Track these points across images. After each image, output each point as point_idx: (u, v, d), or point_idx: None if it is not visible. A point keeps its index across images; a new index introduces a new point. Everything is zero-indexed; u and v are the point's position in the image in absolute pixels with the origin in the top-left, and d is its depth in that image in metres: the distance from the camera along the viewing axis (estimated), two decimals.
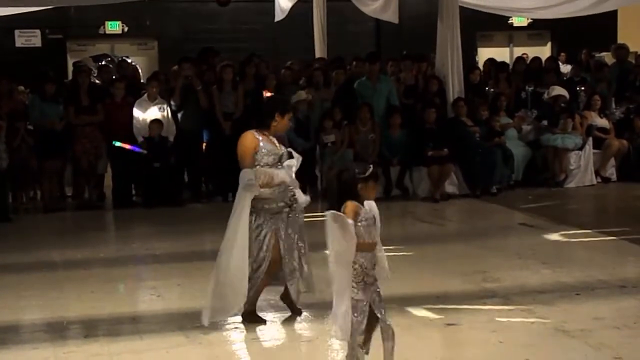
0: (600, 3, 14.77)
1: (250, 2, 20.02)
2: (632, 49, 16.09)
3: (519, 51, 21.09)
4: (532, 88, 13.65)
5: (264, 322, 6.31)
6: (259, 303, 6.39)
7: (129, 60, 17.60)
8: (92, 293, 7.35)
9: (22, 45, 19.57)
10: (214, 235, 9.24)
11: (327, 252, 4.67)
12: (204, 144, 12.55)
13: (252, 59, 13.38)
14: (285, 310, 6.45)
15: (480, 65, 15.58)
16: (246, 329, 6.20)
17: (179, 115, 12.33)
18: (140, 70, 17.27)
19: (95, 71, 15.21)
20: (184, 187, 12.54)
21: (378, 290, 4.75)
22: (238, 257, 6.08)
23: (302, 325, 6.31)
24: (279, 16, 16.49)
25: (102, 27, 20.18)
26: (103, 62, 17.57)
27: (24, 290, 7.50)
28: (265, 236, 6.19)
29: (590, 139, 13.08)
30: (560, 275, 7.54)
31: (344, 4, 16.75)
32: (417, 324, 6.09)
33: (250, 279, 6.15)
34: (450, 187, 12.20)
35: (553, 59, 15.93)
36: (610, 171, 13.25)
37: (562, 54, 19.39)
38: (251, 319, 6.28)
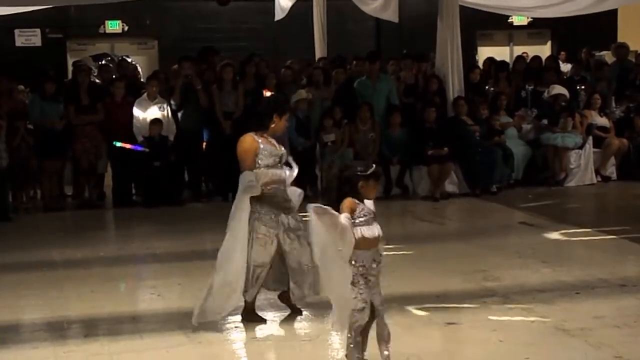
0: (600, 2, 14.77)
1: (250, 2, 20.03)
2: (632, 48, 16.10)
3: (519, 50, 21.10)
4: (532, 87, 13.65)
5: (263, 321, 6.32)
6: (258, 302, 6.39)
7: (129, 60, 17.58)
8: (92, 292, 7.35)
9: (22, 45, 19.56)
10: (214, 234, 9.24)
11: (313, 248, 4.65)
12: (204, 144, 12.55)
13: (252, 58, 13.39)
14: (285, 309, 6.45)
15: (481, 64, 15.58)
16: (246, 328, 6.20)
17: (179, 114, 12.34)
18: (140, 70, 17.29)
19: (96, 70, 15.22)
20: (184, 186, 12.53)
21: (379, 290, 4.74)
22: (237, 259, 6.08)
23: (302, 324, 6.31)
24: (279, 15, 16.50)
25: (102, 27, 20.18)
26: (103, 62, 17.57)
27: (24, 290, 7.50)
28: (265, 237, 6.19)
29: (591, 137, 13.08)
30: (560, 274, 7.54)
31: (344, 3, 16.75)
32: (417, 323, 6.09)
33: (248, 280, 6.16)
34: (450, 186, 12.20)
35: (553, 58, 15.93)
36: (611, 170, 13.25)
37: (562, 52, 19.38)
38: (251, 318, 6.29)
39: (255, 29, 19.75)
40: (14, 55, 18.87)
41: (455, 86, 12.71)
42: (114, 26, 20.25)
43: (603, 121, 13.41)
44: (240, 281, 6.13)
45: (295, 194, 6.32)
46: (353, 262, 4.66)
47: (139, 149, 11.65)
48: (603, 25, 19.66)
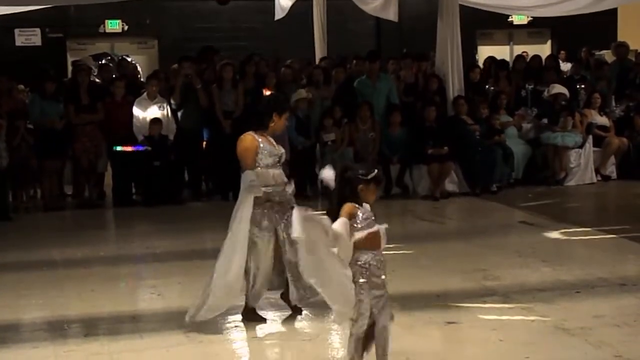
0: (600, 1, 14.77)
1: (250, 1, 20.04)
2: (632, 47, 16.10)
3: (519, 49, 21.12)
4: (532, 86, 13.64)
5: (264, 320, 6.32)
6: (258, 302, 6.39)
7: (129, 59, 17.58)
8: (92, 292, 7.35)
9: (22, 44, 19.57)
10: (214, 233, 9.26)
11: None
12: (204, 143, 12.55)
13: (252, 58, 13.38)
14: (286, 308, 6.45)
15: (481, 63, 15.58)
16: (246, 328, 6.20)
17: (179, 114, 12.34)
18: (140, 69, 17.29)
19: (95, 70, 15.22)
20: (184, 185, 12.54)
21: (384, 295, 4.71)
22: (237, 260, 6.08)
23: (303, 323, 6.31)
24: (278, 15, 16.49)
25: (102, 26, 20.20)
26: (103, 61, 17.57)
27: (24, 289, 7.50)
28: (265, 237, 6.20)
29: (590, 137, 13.08)
30: (560, 273, 7.54)
31: (344, 3, 16.74)
32: (417, 323, 6.08)
33: (248, 280, 6.16)
34: (450, 185, 12.20)
35: (553, 57, 15.92)
36: (610, 169, 13.25)
37: (562, 52, 19.38)
38: (251, 317, 6.29)
39: (255, 28, 19.76)
40: (14, 54, 18.88)
41: (455, 85, 12.71)
42: (114, 26, 20.26)
43: (603, 120, 13.40)
44: (239, 281, 6.14)
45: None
46: (355, 262, 4.63)
47: (141, 148, 11.64)
48: (603, 24, 19.65)
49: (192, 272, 7.83)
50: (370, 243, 4.66)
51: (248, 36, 19.58)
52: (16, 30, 19.39)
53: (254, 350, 5.90)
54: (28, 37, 19.57)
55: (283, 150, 6.36)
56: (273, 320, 6.36)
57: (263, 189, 6.11)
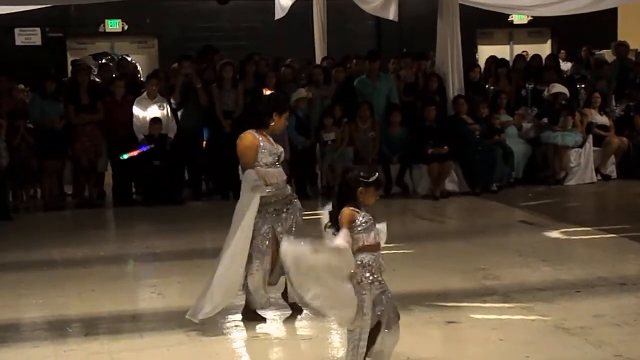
0: (600, 1, 14.77)
1: (250, 1, 20.04)
2: (632, 47, 16.10)
3: (519, 49, 21.12)
4: (532, 85, 13.64)
5: (264, 320, 6.32)
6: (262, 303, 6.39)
7: (129, 59, 17.58)
8: (92, 291, 7.35)
9: (22, 44, 19.57)
10: (214, 233, 9.27)
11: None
12: (204, 142, 12.55)
13: (252, 57, 13.38)
14: (286, 308, 6.45)
15: (482, 62, 15.57)
16: (246, 327, 6.20)
17: (179, 113, 12.33)
18: (140, 69, 17.30)
19: (95, 69, 15.22)
20: (184, 185, 12.53)
21: (386, 291, 4.71)
22: (238, 259, 6.08)
23: (303, 323, 6.31)
24: (278, 14, 16.49)
25: (102, 25, 20.19)
26: (103, 61, 17.58)
27: (24, 289, 7.50)
28: (264, 234, 6.20)
29: (591, 136, 13.08)
30: (560, 272, 7.54)
31: (344, 2, 16.74)
32: (417, 322, 6.09)
33: (247, 277, 6.18)
34: (450, 185, 12.20)
35: (553, 57, 15.92)
36: (611, 169, 13.25)
37: (562, 51, 19.39)
38: (251, 317, 6.30)
39: (255, 27, 19.76)
40: (14, 54, 18.89)
41: (455, 85, 12.70)
42: (114, 25, 20.25)
43: (603, 120, 13.40)
44: (238, 281, 6.14)
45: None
46: (357, 262, 4.63)
47: (145, 148, 11.62)
48: (603, 23, 19.66)
49: (192, 271, 7.84)
50: (371, 248, 4.69)
51: (248, 36, 19.58)
52: (16, 30, 19.40)
53: (254, 350, 5.91)
54: (28, 37, 19.58)
55: (282, 149, 6.37)
56: (273, 320, 6.36)
57: (267, 188, 6.12)
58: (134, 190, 12.36)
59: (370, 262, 4.65)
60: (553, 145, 12.82)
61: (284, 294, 6.46)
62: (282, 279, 6.35)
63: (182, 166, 12.42)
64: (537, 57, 14.97)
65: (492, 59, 14.55)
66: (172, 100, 12.26)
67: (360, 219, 4.64)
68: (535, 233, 9.43)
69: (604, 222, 9.84)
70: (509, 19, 21.88)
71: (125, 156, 11.51)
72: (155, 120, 11.79)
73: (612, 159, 13.24)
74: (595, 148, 13.09)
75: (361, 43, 18.58)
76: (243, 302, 6.33)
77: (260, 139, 6.21)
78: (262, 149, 6.17)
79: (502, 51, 20.52)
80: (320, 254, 4.48)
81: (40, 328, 6.37)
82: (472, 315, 6.36)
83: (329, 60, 14.92)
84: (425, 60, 14.03)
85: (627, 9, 20.06)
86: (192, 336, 5.99)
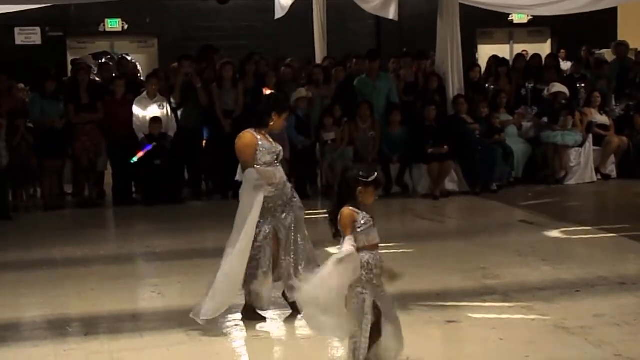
0: (600, 0, 14.76)
1: (250, 0, 20.02)
2: (632, 46, 16.10)
3: (519, 48, 21.12)
4: (532, 85, 13.64)
5: (264, 319, 6.32)
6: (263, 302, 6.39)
7: (129, 58, 17.57)
8: (92, 290, 7.35)
9: (22, 43, 19.57)
10: (214, 232, 9.29)
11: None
12: (204, 142, 12.55)
13: (252, 57, 13.38)
14: (286, 307, 6.45)
15: (482, 62, 15.56)
16: (246, 327, 6.20)
17: (179, 112, 12.33)
18: (140, 68, 17.29)
19: (95, 69, 15.22)
20: (184, 184, 12.53)
21: (384, 290, 4.72)
22: (241, 259, 6.08)
23: (303, 322, 6.27)
24: (278, 14, 16.49)
25: (102, 25, 20.19)
26: (103, 60, 17.57)
27: (24, 288, 7.50)
28: (265, 233, 6.21)
29: (590, 136, 13.08)
30: (560, 272, 7.54)
31: (344, 2, 16.75)
32: (417, 322, 6.08)
33: (247, 274, 6.18)
34: (450, 185, 12.20)
35: (553, 56, 15.92)
36: (610, 168, 13.25)
37: (562, 51, 19.39)
38: (251, 316, 6.30)
39: (255, 27, 19.76)
40: (13, 53, 18.89)
41: (455, 84, 12.70)
42: (113, 24, 20.25)
43: (603, 119, 13.40)
44: (240, 280, 6.14)
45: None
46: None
47: (149, 147, 11.62)
48: (603, 23, 19.66)
49: (192, 271, 7.84)
50: (370, 248, 4.70)
51: (248, 35, 19.58)
52: (16, 29, 19.40)
53: (254, 349, 5.91)
54: (28, 36, 19.58)
55: (281, 148, 6.38)
56: (273, 319, 6.36)
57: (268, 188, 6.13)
58: (133, 189, 12.36)
59: (370, 262, 4.65)
60: (553, 145, 12.82)
61: (284, 294, 6.46)
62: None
63: (182, 166, 12.42)
64: (537, 56, 14.97)
65: (494, 59, 14.54)
66: (172, 100, 12.26)
67: (360, 219, 4.64)
68: (535, 232, 9.43)
69: (604, 222, 9.84)
70: (509, 19, 21.88)
71: (135, 159, 11.52)
72: (155, 120, 11.80)
73: (612, 158, 13.25)
74: (595, 147, 13.10)
75: (361, 42, 18.58)
76: (243, 302, 6.33)
77: (259, 137, 6.22)
78: (261, 148, 6.18)
79: (502, 50, 20.49)
80: (335, 278, 4.50)
81: (40, 327, 6.37)
82: (472, 315, 6.36)
83: (330, 60, 14.93)
84: (425, 60, 14.03)
85: (627, 9, 20.06)
86: (192, 335, 5.99)
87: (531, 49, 19.45)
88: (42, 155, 11.66)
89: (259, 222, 6.16)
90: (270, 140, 6.31)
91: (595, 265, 7.72)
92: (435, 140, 11.99)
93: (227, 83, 12.26)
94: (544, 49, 20.97)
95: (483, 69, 14.16)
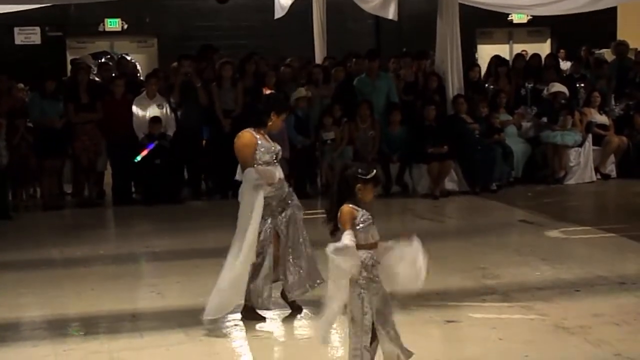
0: (597, 0, 14.75)
1: (249, 0, 20.02)
2: (631, 46, 16.09)
3: (518, 48, 21.11)
4: (531, 85, 13.64)
5: (263, 319, 6.32)
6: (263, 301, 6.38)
7: (129, 58, 17.56)
8: (91, 290, 7.35)
9: (22, 43, 19.56)
10: (214, 232, 9.29)
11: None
12: (204, 141, 12.55)
13: (251, 56, 13.37)
14: (285, 307, 6.45)
15: (482, 62, 15.55)
16: (246, 326, 6.20)
17: (179, 112, 12.33)
18: (139, 68, 17.28)
19: (95, 69, 15.21)
20: (184, 184, 12.52)
21: (381, 288, 4.71)
22: (245, 259, 6.08)
23: (302, 322, 6.31)
24: (278, 13, 16.48)
25: (101, 25, 20.18)
26: (102, 60, 17.56)
27: (24, 288, 7.50)
28: (265, 232, 6.21)
29: (590, 135, 13.08)
30: (559, 271, 7.54)
31: (344, 1, 16.75)
32: (416, 321, 6.08)
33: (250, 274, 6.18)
34: (450, 184, 12.20)
35: (553, 56, 15.90)
36: (610, 168, 13.25)
37: (562, 50, 19.37)
38: (251, 316, 6.29)
39: (254, 27, 19.74)
40: (13, 53, 18.87)
41: (454, 84, 12.70)
42: (113, 24, 20.24)
43: (602, 119, 13.40)
44: (245, 282, 6.13)
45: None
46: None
47: (152, 146, 11.62)
48: (603, 23, 19.65)
49: (191, 271, 7.85)
50: (369, 247, 4.68)
51: (248, 35, 19.56)
52: (16, 29, 19.38)
53: (253, 349, 5.90)
54: (27, 36, 19.57)
55: (279, 147, 6.39)
56: (272, 319, 6.36)
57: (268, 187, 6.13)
58: (133, 189, 12.36)
59: (367, 261, 4.65)
60: (552, 145, 12.81)
61: (283, 294, 6.46)
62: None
63: (182, 165, 12.42)
64: (536, 56, 14.95)
65: (496, 59, 14.50)
66: (171, 100, 12.26)
67: (360, 217, 4.64)
68: (535, 232, 9.43)
69: (604, 221, 9.84)
70: (508, 18, 21.87)
71: (139, 158, 11.51)
72: (154, 120, 11.79)
73: (612, 158, 13.25)
74: (595, 147, 13.09)
75: (361, 42, 18.56)
76: (243, 302, 6.32)
77: (258, 137, 6.23)
78: (260, 147, 6.19)
79: (502, 50, 20.46)
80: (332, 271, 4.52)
81: (40, 327, 6.37)
82: (471, 315, 6.36)
83: (329, 60, 14.92)
84: (425, 60, 14.01)
85: (627, 8, 20.05)
86: (192, 335, 5.98)
87: (531, 48, 19.43)
88: (41, 155, 11.65)
89: (261, 232, 6.16)
90: (269, 139, 6.32)
91: (594, 264, 7.73)
92: (435, 140, 11.99)
93: (227, 83, 12.26)
94: (544, 48, 20.95)
95: (483, 69, 14.15)
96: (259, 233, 6.17)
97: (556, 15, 17.18)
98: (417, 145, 12.07)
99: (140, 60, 19.13)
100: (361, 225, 4.63)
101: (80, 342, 5.94)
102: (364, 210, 4.67)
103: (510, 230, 9.84)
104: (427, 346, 5.61)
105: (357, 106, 12.29)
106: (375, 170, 4.76)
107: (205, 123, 12.42)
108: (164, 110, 11.99)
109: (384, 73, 13.32)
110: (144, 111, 11.94)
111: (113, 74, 13.32)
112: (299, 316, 6.38)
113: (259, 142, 6.20)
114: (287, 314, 6.40)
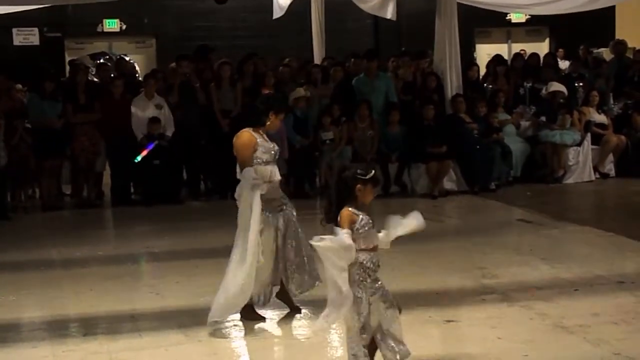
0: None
1: (248, 0, 20.02)
2: (630, 45, 16.10)
3: (517, 47, 21.11)
4: (530, 84, 13.65)
5: (263, 319, 6.32)
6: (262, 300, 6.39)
7: (127, 58, 17.57)
8: (91, 291, 7.35)
9: (20, 44, 19.56)
10: (213, 232, 9.29)
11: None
12: (203, 142, 12.53)
13: (250, 57, 13.37)
14: (284, 307, 6.45)
15: (480, 61, 15.55)
16: (245, 327, 6.20)
17: (177, 112, 12.31)
18: (138, 68, 17.28)
19: (93, 69, 15.20)
20: (183, 185, 12.53)
21: (380, 289, 4.72)
22: (250, 258, 6.07)
23: (301, 322, 6.31)
24: (277, 13, 16.48)
25: (100, 25, 20.17)
26: (101, 60, 17.56)
27: (23, 289, 7.50)
28: (265, 232, 6.21)
29: (589, 134, 13.09)
30: (558, 271, 7.54)
31: (343, 1, 16.73)
32: (416, 321, 6.08)
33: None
34: (448, 184, 12.20)
35: (551, 55, 15.91)
36: (609, 167, 13.26)
37: (560, 50, 19.39)
38: (250, 316, 6.29)
39: (253, 27, 19.75)
40: (11, 54, 18.86)
41: (453, 83, 12.71)
42: (111, 25, 20.24)
43: (601, 118, 13.41)
44: (251, 282, 6.12)
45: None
46: (354, 262, 4.63)
47: (152, 146, 11.61)
48: (601, 22, 19.65)
49: (191, 271, 7.84)
50: (370, 249, 4.69)
51: (246, 35, 19.57)
52: (14, 30, 19.38)
53: (253, 349, 5.90)
54: (26, 37, 19.57)
55: (278, 147, 6.40)
56: (272, 319, 6.35)
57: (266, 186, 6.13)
58: (132, 190, 12.36)
59: (366, 263, 4.65)
60: (551, 144, 12.82)
61: (282, 294, 6.46)
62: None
63: (181, 166, 12.41)
64: (535, 55, 14.97)
65: (496, 59, 14.47)
66: (170, 100, 12.25)
67: (360, 221, 4.63)
68: (534, 231, 9.44)
69: (603, 221, 9.85)
70: (506, 18, 21.87)
71: (139, 158, 11.51)
72: (153, 120, 11.79)
73: (611, 157, 13.26)
74: (594, 146, 13.11)
75: (359, 42, 18.57)
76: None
77: (257, 137, 6.23)
78: (259, 147, 6.19)
79: (500, 50, 20.45)
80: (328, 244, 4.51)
81: (39, 328, 6.36)
82: (470, 314, 6.36)
83: (328, 60, 14.92)
84: (424, 59, 14.00)
85: (625, 8, 20.05)
86: (191, 336, 5.98)
87: (529, 48, 19.44)
88: (40, 155, 11.65)
89: (261, 232, 6.16)
90: (267, 139, 6.32)
91: (593, 264, 7.73)
92: (433, 139, 11.99)
93: (225, 83, 12.26)
94: (542, 48, 20.95)
95: (482, 68, 14.15)
96: (260, 231, 6.17)
97: (554, 15, 17.20)
98: (416, 145, 12.07)
99: (139, 61, 19.14)
100: (361, 230, 4.63)
101: (79, 342, 5.93)
102: (364, 214, 4.66)
103: (510, 229, 9.85)
104: (426, 346, 5.62)
105: (356, 106, 12.30)
106: (374, 171, 4.76)
107: (204, 123, 12.40)
108: (163, 110, 11.99)
109: (383, 73, 13.32)
110: (143, 112, 11.94)
111: (112, 75, 13.31)
112: (298, 316, 6.38)
113: (259, 141, 6.20)
114: (286, 314, 6.40)
